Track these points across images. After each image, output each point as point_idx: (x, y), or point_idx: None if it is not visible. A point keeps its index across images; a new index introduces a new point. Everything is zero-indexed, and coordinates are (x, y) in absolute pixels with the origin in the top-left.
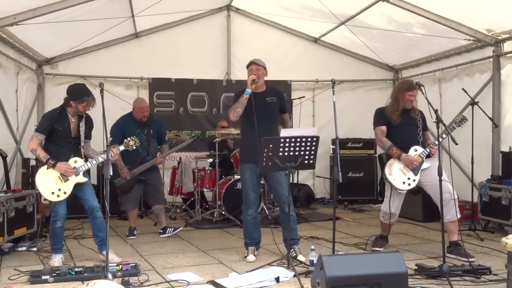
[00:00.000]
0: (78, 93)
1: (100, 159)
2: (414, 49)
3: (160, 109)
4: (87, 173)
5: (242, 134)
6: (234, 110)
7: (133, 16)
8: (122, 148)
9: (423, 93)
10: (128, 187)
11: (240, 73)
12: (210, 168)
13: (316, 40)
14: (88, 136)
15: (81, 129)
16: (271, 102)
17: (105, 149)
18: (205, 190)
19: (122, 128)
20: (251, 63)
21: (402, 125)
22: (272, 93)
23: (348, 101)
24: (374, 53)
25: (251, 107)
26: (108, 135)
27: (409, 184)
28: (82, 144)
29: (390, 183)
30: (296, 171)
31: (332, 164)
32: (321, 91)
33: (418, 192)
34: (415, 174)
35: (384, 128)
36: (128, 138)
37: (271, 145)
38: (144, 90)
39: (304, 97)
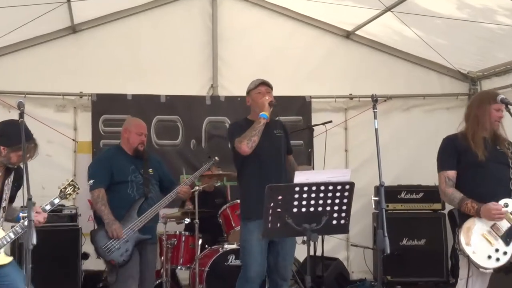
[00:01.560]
0: (14, 136)
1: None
2: (498, 48)
3: (108, 141)
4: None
5: (243, 180)
6: (248, 139)
7: (69, 1)
8: (56, 201)
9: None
10: (125, 255)
11: (232, 85)
12: (186, 233)
13: (348, 35)
14: (12, 199)
15: (5, 188)
16: (279, 136)
17: (28, 206)
18: (179, 267)
19: (109, 164)
20: (262, 83)
21: (487, 163)
22: (277, 125)
23: (399, 128)
24: (438, 54)
25: (260, 141)
26: (86, 179)
27: (497, 259)
28: (4, 208)
29: (468, 257)
30: (320, 236)
31: (376, 226)
32: (357, 113)
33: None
34: (507, 244)
35: (451, 174)
36: (65, 183)
37: (280, 197)
38: (85, 113)
39: (331, 121)
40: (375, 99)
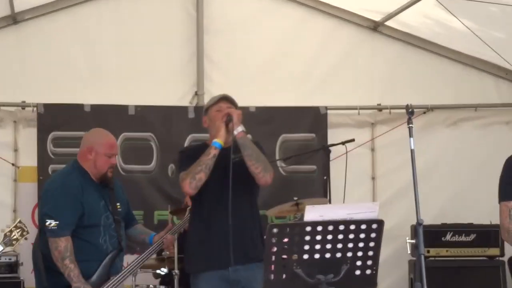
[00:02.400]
0: None
1: None
2: None
3: (59, 166)
4: None
5: (193, 219)
6: (192, 177)
7: None
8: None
9: None
10: None
11: (221, 92)
12: (162, 287)
13: (376, 27)
14: None
15: None
16: (236, 162)
17: None
18: None
19: (79, 200)
20: (223, 98)
21: None
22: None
23: (443, 148)
24: (495, 52)
25: (215, 170)
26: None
27: None
28: None
29: None
30: None
31: (413, 277)
32: (388, 129)
33: None
34: None
35: None
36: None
37: (286, 239)
38: (28, 129)
39: (353, 140)
40: (411, 111)
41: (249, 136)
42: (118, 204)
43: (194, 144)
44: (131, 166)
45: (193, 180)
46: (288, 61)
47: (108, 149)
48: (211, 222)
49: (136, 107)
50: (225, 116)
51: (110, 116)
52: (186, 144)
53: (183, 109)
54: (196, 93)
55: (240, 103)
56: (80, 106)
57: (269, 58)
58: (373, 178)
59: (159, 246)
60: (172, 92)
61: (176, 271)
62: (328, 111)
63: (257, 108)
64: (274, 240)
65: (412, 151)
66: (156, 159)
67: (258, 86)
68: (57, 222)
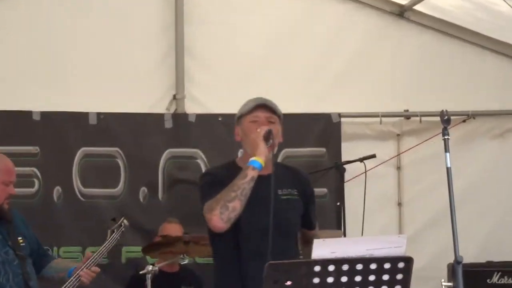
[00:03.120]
0: None
1: None
2: None
3: None
4: None
5: (218, 263)
6: (223, 206)
7: None
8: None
9: None
10: None
11: (208, 96)
12: None
13: (403, 12)
14: None
15: None
16: (288, 200)
17: None
18: None
19: None
20: (260, 106)
21: None
22: (287, 178)
23: (488, 165)
24: None
25: (253, 203)
26: None
27: None
28: None
29: None
30: None
31: None
32: (418, 141)
33: None
34: None
35: None
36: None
37: (289, 282)
38: None
39: (374, 156)
40: (446, 119)
41: None
42: (20, 238)
43: (218, 166)
44: (93, 190)
45: (225, 210)
46: (291, 57)
47: (5, 175)
48: (242, 274)
49: (99, 114)
50: (266, 132)
51: (66, 126)
52: (162, 162)
53: (158, 117)
54: (174, 97)
55: (228, 109)
56: (27, 114)
57: (267, 53)
58: (399, 204)
59: (75, 282)
60: (145, 96)
61: None
62: (342, 119)
63: None
64: (273, 284)
65: (448, 170)
66: (124, 181)
67: (252, 88)
68: None
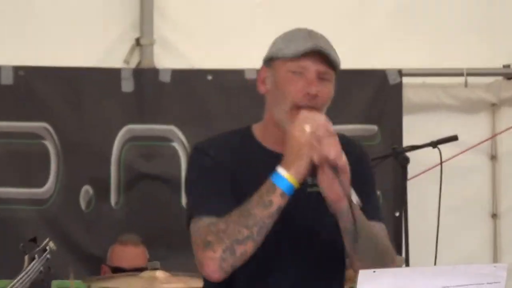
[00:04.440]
0: None
1: None
2: None
3: None
4: None
5: None
6: (229, 247)
7: None
8: None
9: None
10: None
11: (188, 41)
12: None
13: None
14: None
15: None
16: (320, 192)
17: None
18: None
19: None
20: (309, 52)
21: None
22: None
23: None
24: None
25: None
26: None
27: None
28: None
29: None
30: None
31: None
32: None
33: None
34: None
35: None
36: None
37: None
38: None
39: (455, 138)
40: None
41: None
42: None
43: (225, 134)
44: (8, 190)
45: (230, 256)
46: None
47: None
48: None
49: (16, 70)
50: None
51: None
52: (116, 146)
53: (111, 75)
54: (137, 42)
55: (223, 62)
56: None
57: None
58: (494, 215)
59: None
60: (89, 40)
61: None
62: (404, 80)
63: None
64: None
65: None
66: (55, 176)
67: (258, 28)
68: None
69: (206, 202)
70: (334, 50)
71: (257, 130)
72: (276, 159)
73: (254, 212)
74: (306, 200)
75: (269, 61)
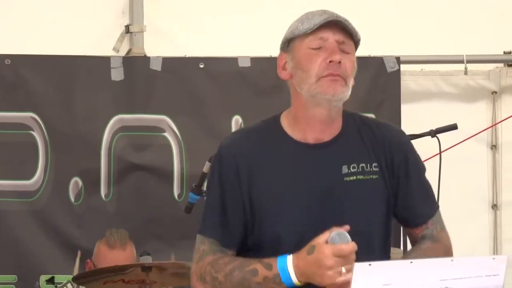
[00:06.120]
0: None
1: None
2: None
3: None
4: None
5: None
6: (212, 280)
7: None
8: None
9: None
10: None
11: (180, 29)
12: None
13: None
14: None
15: None
16: (358, 180)
17: None
18: None
19: None
20: (327, 23)
21: None
22: (363, 143)
23: None
24: None
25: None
26: None
27: None
28: None
29: None
30: None
31: None
32: None
33: None
34: None
35: None
36: None
37: None
38: None
39: (455, 127)
40: None
41: None
42: None
43: (256, 127)
44: None
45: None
46: None
47: None
48: None
49: (3, 58)
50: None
51: None
52: (106, 137)
53: (101, 63)
54: (127, 30)
55: (216, 50)
56: None
57: None
58: (494, 206)
59: None
60: (77, 28)
61: None
62: (403, 66)
63: (253, 60)
64: None
65: None
66: (43, 168)
67: (255, 15)
68: None
69: (212, 227)
70: (351, 24)
71: (285, 119)
72: (304, 150)
73: (249, 277)
74: (342, 189)
75: (287, 44)
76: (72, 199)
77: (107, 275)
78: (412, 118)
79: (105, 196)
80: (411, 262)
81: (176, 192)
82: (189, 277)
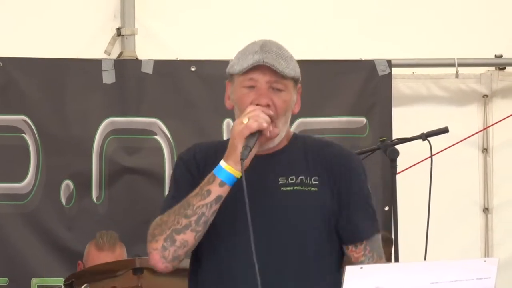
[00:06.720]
0: None
1: None
2: None
3: None
4: None
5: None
6: (169, 237)
7: None
8: None
9: None
10: None
11: (171, 32)
12: None
13: None
14: None
15: None
16: (295, 190)
17: None
18: None
19: None
20: (258, 65)
21: None
22: (306, 158)
23: None
24: None
25: (237, 206)
26: None
27: None
28: None
29: None
30: None
31: None
32: None
33: None
34: None
35: None
36: None
37: None
38: None
39: (446, 130)
40: None
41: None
42: None
43: (212, 141)
44: None
45: (170, 245)
46: None
47: None
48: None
49: None
50: (264, 118)
51: None
52: (98, 140)
53: (92, 66)
54: (118, 33)
55: (208, 53)
56: None
57: None
58: (485, 209)
59: None
60: (69, 30)
61: None
62: (394, 70)
63: None
64: None
65: None
66: (34, 171)
67: (247, 18)
68: None
69: (165, 204)
70: (288, 59)
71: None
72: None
73: (193, 202)
74: (278, 198)
75: (229, 76)
76: (64, 201)
77: (98, 278)
78: (404, 122)
79: (96, 199)
80: (403, 265)
81: None
82: (184, 280)
